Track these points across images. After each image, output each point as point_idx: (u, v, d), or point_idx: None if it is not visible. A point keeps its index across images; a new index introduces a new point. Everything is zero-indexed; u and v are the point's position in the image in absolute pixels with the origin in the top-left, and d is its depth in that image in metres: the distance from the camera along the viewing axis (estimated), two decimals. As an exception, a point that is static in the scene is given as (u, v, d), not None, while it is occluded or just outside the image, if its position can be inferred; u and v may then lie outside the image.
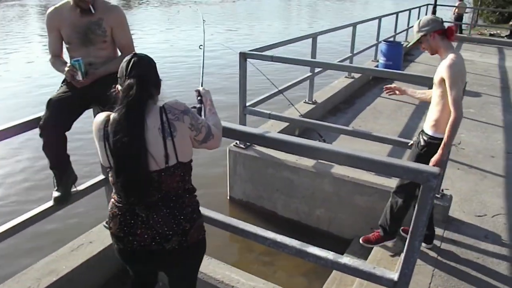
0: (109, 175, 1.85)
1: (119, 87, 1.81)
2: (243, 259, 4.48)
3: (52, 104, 2.78)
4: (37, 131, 2.75)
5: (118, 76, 1.83)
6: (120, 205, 1.88)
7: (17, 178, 6.02)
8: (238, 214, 5.08)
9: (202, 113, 2.18)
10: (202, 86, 2.32)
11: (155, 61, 1.90)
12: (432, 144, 3.09)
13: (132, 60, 1.80)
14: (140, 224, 1.85)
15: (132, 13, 28.73)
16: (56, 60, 3.02)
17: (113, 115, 1.78)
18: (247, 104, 4.85)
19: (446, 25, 3.07)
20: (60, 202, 2.94)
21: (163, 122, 1.75)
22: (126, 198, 1.83)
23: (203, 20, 2.94)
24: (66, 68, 2.83)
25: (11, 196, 5.57)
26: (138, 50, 2.42)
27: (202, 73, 2.56)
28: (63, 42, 3.00)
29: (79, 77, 2.83)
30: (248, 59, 4.62)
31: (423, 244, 3.57)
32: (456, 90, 2.85)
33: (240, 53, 4.60)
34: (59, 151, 2.91)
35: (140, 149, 1.72)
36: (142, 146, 1.72)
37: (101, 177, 3.28)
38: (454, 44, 14.23)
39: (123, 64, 1.81)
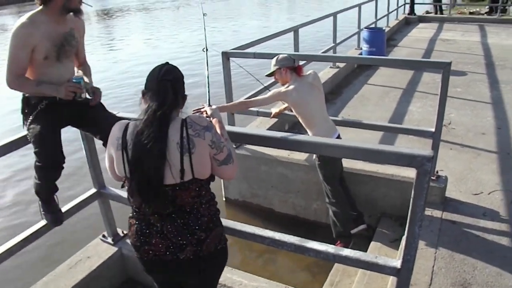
0: (126, 185, 1.82)
1: (143, 91, 1.78)
2: (244, 260, 4.44)
3: (49, 140, 2.58)
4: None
5: (146, 79, 1.80)
6: (136, 214, 1.88)
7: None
8: (235, 214, 5.05)
9: None
10: (209, 102, 2.11)
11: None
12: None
13: (166, 66, 1.79)
14: (155, 234, 1.83)
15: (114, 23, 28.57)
16: (26, 79, 2.60)
17: (133, 123, 1.75)
18: (234, 103, 4.80)
19: (297, 63, 3.84)
20: (55, 223, 2.82)
21: (182, 137, 1.69)
22: (141, 208, 1.82)
23: (204, 14, 2.62)
24: (69, 86, 2.57)
25: None
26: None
27: (208, 85, 2.17)
28: (36, 58, 2.60)
29: (86, 95, 2.63)
30: (231, 58, 4.58)
31: (361, 227, 3.96)
32: (265, 98, 3.76)
33: (223, 53, 4.55)
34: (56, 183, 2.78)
35: (160, 157, 1.67)
36: (163, 154, 1.67)
37: (93, 190, 3.20)
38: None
39: (154, 69, 1.79)
